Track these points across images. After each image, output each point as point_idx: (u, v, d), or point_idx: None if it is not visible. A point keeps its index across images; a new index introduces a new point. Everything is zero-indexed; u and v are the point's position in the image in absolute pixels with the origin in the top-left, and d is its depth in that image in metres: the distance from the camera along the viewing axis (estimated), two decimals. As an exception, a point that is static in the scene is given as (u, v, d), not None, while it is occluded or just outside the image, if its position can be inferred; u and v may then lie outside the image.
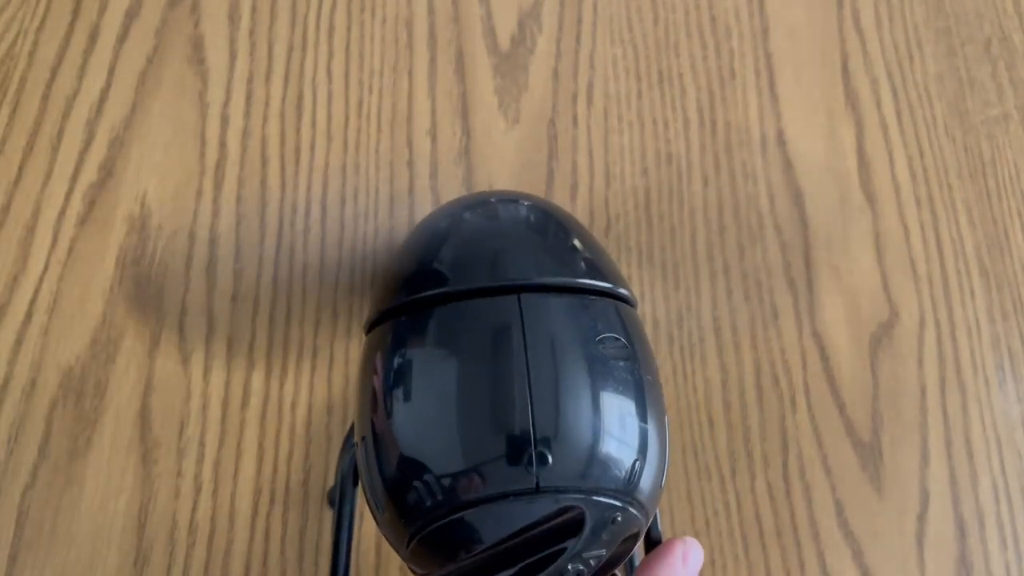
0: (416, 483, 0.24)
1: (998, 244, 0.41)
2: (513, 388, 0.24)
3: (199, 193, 0.42)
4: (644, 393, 0.26)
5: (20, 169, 0.42)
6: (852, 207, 0.42)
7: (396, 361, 0.26)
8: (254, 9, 0.46)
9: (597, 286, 0.27)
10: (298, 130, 0.43)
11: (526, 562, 0.24)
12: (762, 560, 0.36)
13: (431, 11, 0.46)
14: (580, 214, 0.42)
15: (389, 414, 0.25)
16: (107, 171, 0.42)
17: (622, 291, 0.28)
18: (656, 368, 0.28)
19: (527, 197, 0.32)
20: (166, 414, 0.38)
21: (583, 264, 0.28)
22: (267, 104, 0.44)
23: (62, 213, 0.41)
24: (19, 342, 0.39)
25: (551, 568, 0.24)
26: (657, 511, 0.30)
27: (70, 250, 0.41)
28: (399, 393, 0.26)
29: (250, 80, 0.44)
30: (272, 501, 0.36)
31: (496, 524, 0.24)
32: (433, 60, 0.45)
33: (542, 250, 0.28)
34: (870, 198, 0.42)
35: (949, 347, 0.39)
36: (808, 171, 0.43)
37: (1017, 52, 0.46)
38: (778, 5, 0.46)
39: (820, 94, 0.44)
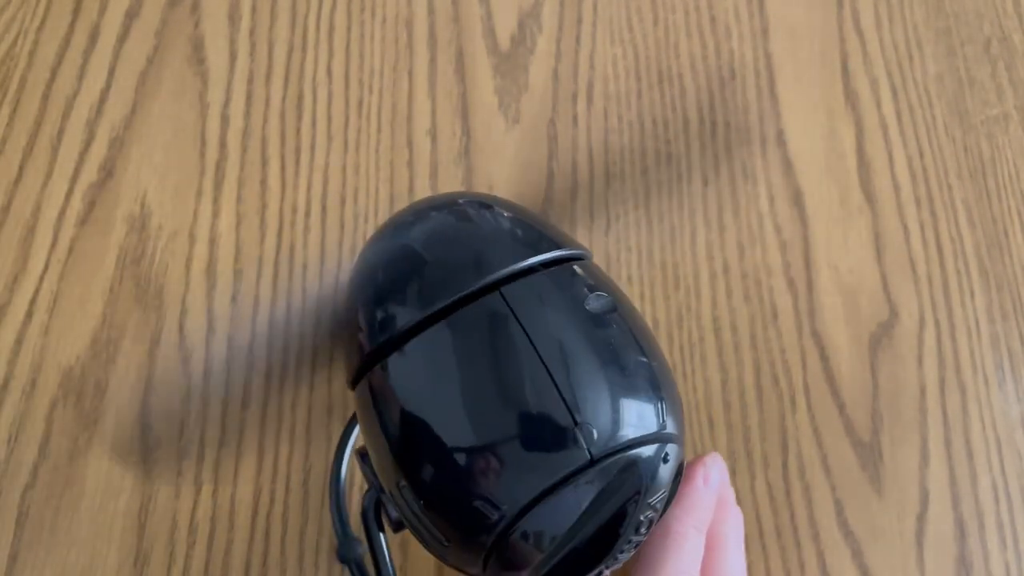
0: (476, 503, 0.24)
1: (998, 244, 0.41)
2: (533, 377, 0.25)
3: (199, 193, 0.42)
4: (642, 333, 0.27)
5: (20, 169, 0.42)
6: (852, 207, 0.42)
7: (412, 393, 0.26)
8: (254, 9, 0.46)
9: (560, 255, 0.28)
10: (298, 130, 0.43)
11: (604, 531, 0.25)
12: (762, 560, 0.36)
13: (431, 11, 0.46)
14: (580, 214, 0.42)
15: (424, 450, 0.25)
16: (107, 171, 0.42)
17: (579, 250, 0.29)
18: (633, 304, 0.29)
19: (448, 197, 0.31)
20: (166, 414, 0.38)
21: (538, 238, 0.29)
22: (267, 104, 0.44)
23: (62, 213, 0.41)
24: (19, 342, 0.39)
25: (626, 526, 0.25)
26: None
27: (70, 250, 0.41)
28: (427, 424, 0.25)
29: (250, 80, 0.44)
30: (272, 501, 0.36)
31: (565, 508, 0.24)
32: (433, 60, 0.45)
33: (499, 241, 0.28)
34: (870, 198, 0.42)
35: (949, 347, 0.39)
36: (808, 171, 0.43)
37: (1017, 52, 0.46)
38: (778, 5, 0.46)
39: (820, 94, 0.44)
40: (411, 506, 0.26)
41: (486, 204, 0.30)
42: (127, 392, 0.38)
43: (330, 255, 0.41)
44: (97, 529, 0.36)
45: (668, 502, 0.27)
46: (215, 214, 0.41)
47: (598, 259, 0.41)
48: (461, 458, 0.25)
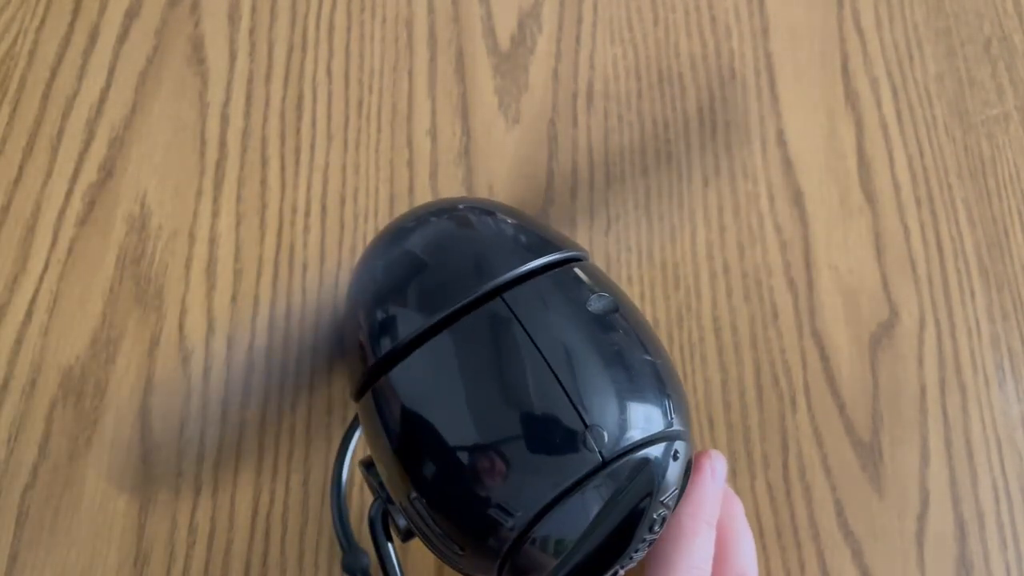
0: (490, 511, 0.24)
1: (998, 244, 0.41)
2: (541, 381, 0.25)
3: (199, 193, 0.42)
4: (644, 332, 0.27)
5: (20, 169, 0.42)
6: (852, 207, 0.42)
7: (420, 405, 0.26)
8: (254, 9, 0.46)
9: (559, 257, 0.28)
10: (298, 130, 0.43)
11: (618, 531, 0.25)
12: (762, 560, 0.36)
13: (431, 11, 0.46)
14: (580, 214, 0.42)
15: (435, 461, 0.25)
16: (107, 171, 0.42)
17: (577, 252, 0.29)
18: (633, 303, 0.29)
19: (447, 204, 0.31)
20: (166, 414, 0.38)
21: (537, 242, 0.29)
22: (267, 104, 0.44)
23: (62, 213, 0.41)
24: (19, 342, 0.39)
25: (640, 525, 0.25)
26: None
27: (70, 250, 0.41)
28: (437, 434, 0.25)
29: (250, 80, 0.44)
30: (272, 501, 0.36)
31: (579, 512, 0.24)
32: (433, 60, 0.45)
33: (498, 246, 0.28)
34: (870, 198, 0.42)
35: (949, 347, 0.39)
36: (808, 171, 0.43)
37: (1017, 52, 0.46)
38: (778, 5, 0.46)
39: (820, 94, 0.44)
40: (424, 517, 0.26)
41: (483, 210, 0.30)
42: (127, 392, 0.38)
43: (330, 255, 0.41)
44: (97, 529, 0.36)
45: (679, 498, 0.27)
46: (215, 214, 0.41)
47: (598, 259, 0.41)
48: (473, 467, 0.25)
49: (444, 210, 0.30)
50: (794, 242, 0.41)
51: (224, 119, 0.43)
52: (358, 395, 0.28)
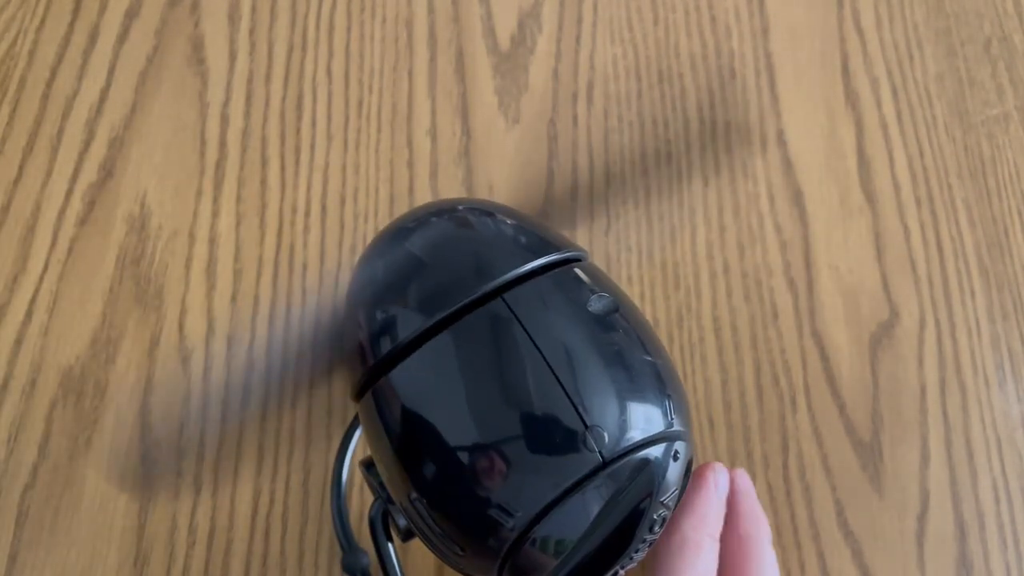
0: (490, 511, 0.24)
1: (998, 244, 0.41)
2: (541, 382, 0.25)
3: (199, 193, 0.42)
4: (644, 332, 0.27)
5: (20, 169, 0.42)
6: (852, 207, 0.42)
7: (421, 405, 0.26)
8: (254, 9, 0.46)
9: (559, 257, 0.28)
10: (298, 130, 0.43)
11: (618, 532, 0.25)
12: (762, 560, 0.36)
13: (431, 11, 0.46)
14: (580, 214, 0.42)
15: (435, 461, 0.25)
16: (107, 171, 0.42)
17: (577, 252, 0.29)
18: (633, 303, 0.29)
19: (440, 206, 0.31)
20: (166, 414, 0.38)
21: (537, 242, 0.29)
22: (267, 104, 0.44)
23: (62, 213, 0.41)
24: (19, 342, 0.39)
25: (640, 526, 0.25)
26: None
27: (70, 250, 0.41)
28: (437, 435, 0.25)
29: (250, 80, 0.44)
30: (272, 501, 0.36)
31: (579, 512, 0.24)
32: (433, 60, 0.45)
33: (500, 246, 0.28)
34: (870, 198, 0.42)
35: (949, 347, 0.39)
36: (808, 171, 0.43)
37: (1017, 52, 0.46)
38: (778, 5, 0.46)
39: (820, 94, 0.44)
40: (424, 518, 0.26)
41: (482, 210, 0.30)
42: (127, 392, 0.38)
43: (330, 255, 0.41)
44: (97, 529, 0.36)
45: (679, 499, 0.27)
46: (215, 214, 0.41)
47: (598, 259, 0.41)
48: (473, 468, 0.25)
49: (444, 211, 0.30)
50: (794, 242, 0.41)
51: (224, 119, 0.43)
52: (358, 395, 0.28)
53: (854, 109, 0.44)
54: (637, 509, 0.25)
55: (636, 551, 0.26)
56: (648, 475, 0.25)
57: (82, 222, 0.41)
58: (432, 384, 0.26)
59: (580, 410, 0.24)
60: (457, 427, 0.25)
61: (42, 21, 0.45)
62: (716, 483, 0.31)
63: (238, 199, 0.42)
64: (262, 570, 0.35)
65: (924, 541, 0.36)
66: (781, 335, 0.39)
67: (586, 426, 0.24)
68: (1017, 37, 0.46)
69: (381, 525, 0.30)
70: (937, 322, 0.40)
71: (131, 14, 0.46)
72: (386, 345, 0.27)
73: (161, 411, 0.38)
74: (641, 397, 0.26)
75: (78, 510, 0.36)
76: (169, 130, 0.43)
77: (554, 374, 0.25)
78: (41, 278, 0.40)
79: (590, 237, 0.41)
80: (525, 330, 0.25)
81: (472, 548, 0.26)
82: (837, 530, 0.36)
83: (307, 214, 0.41)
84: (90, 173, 0.42)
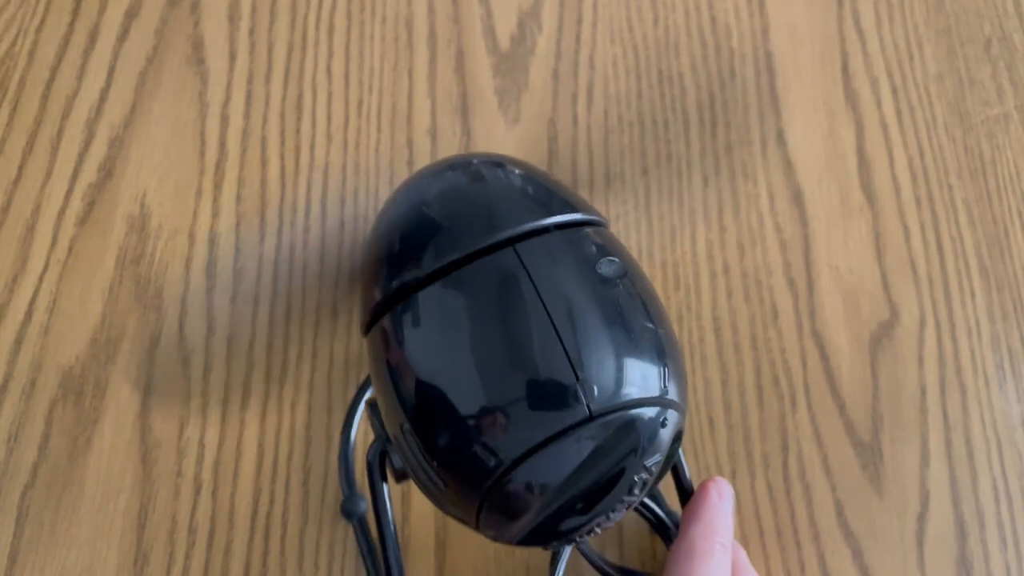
0: (474, 448, 0.25)
1: (998, 244, 0.41)
2: (540, 332, 0.25)
3: (199, 193, 0.42)
4: (651, 301, 0.28)
5: (20, 169, 0.42)
6: (852, 207, 0.42)
7: (421, 341, 0.27)
8: (254, 9, 0.46)
9: (575, 218, 0.28)
10: (298, 130, 0.43)
11: (597, 487, 0.25)
12: (762, 560, 0.36)
13: (431, 11, 0.46)
14: (580, 214, 0.42)
15: (427, 394, 0.26)
16: (107, 171, 0.42)
17: (596, 217, 0.29)
18: (644, 274, 0.29)
19: (476, 156, 0.32)
20: (166, 414, 0.38)
21: (557, 201, 0.29)
22: (267, 104, 0.44)
23: (62, 213, 0.41)
24: (19, 342, 0.39)
25: (620, 484, 0.25)
26: (683, 457, 0.32)
27: (70, 250, 0.41)
28: (433, 370, 0.26)
29: (250, 80, 0.44)
30: (272, 501, 0.36)
31: (561, 460, 0.25)
32: (433, 60, 0.45)
33: (518, 199, 0.29)
34: (870, 198, 0.42)
35: (949, 347, 0.39)
36: (808, 171, 0.43)
37: (1017, 52, 0.46)
38: (778, 5, 0.46)
39: (820, 94, 0.44)
40: (412, 450, 0.26)
41: (506, 164, 0.31)
42: (127, 392, 0.38)
43: (330, 255, 0.41)
44: (97, 529, 0.36)
45: (664, 469, 0.28)
46: (215, 214, 0.41)
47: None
48: (462, 404, 0.25)
49: (474, 161, 0.31)
50: (794, 242, 0.41)
51: (224, 119, 0.43)
52: (367, 329, 0.29)
53: (854, 109, 0.44)
54: (619, 466, 0.25)
55: (613, 510, 0.27)
56: (633, 435, 0.25)
57: (82, 222, 0.41)
58: (435, 322, 0.26)
59: (574, 363, 0.25)
60: (453, 364, 0.26)
61: (42, 21, 0.45)
62: (720, 492, 0.32)
63: (238, 199, 0.42)
64: (262, 570, 0.35)
65: (924, 541, 0.36)
66: (781, 335, 0.39)
67: (577, 379, 0.25)
68: (1017, 37, 0.46)
69: (378, 466, 0.31)
70: (937, 322, 0.40)
71: (131, 14, 0.46)
72: (395, 282, 0.27)
73: (161, 411, 0.38)
74: (636, 359, 0.26)
75: (78, 510, 0.36)
76: (169, 130, 0.43)
77: (553, 326, 0.25)
78: (41, 278, 0.40)
79: (590, 237, 0.41)
80: (531, 281, 0.26)
81: (454, 484, 0.26)
82: (837, 530, 0.36)
83: (307, 214, 0.41)
84: (90, 173, 0.42)
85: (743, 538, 0.36)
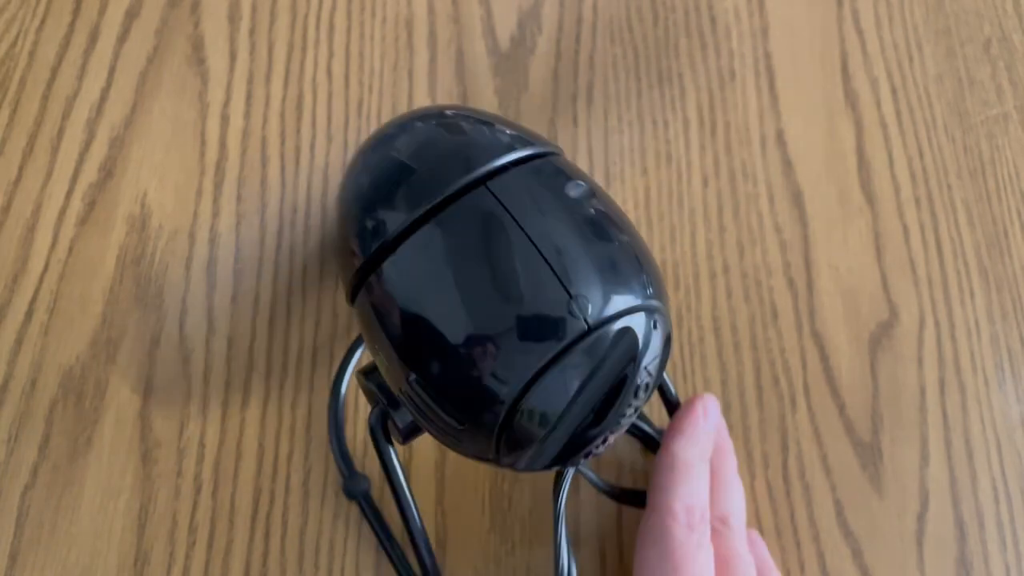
0: (485, 381, 0.26)
1: (998, 244, 0.41)
2: (527, 259, 0.26)
3: (199, 193, 0.42)
4: (619, 215, 0.29)
5: (20, 169, 0.42)
6: (852, 207, 0.42)
7: (414, 290, 0.27)
8: (254, 9, 0.46)
9: (537, 151, 0.30)
10: (298, 130, 0.43)
11: (606, 396, 0.26)
12: (762, 560, 0.36)
13: (431, 11, 0.46)
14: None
15: (430, 340, 0.26)
16: (107, 171, 0.42)
17: (553, 148, 0.31)
18: (605, 191, 0.31)
19: (420, 111, 0.33)
20: (166, 414, 0.38)
21: (515, 138, 0.30)
22: (267, 104, 0.44)
23: (62, 213, 0.41)
24: (19, 342, 0.39)
25: (626, 389, 0.27)
26: (667, 376, 0.35)
27: (70, 250, 0.41)
28: (432, 315, 0.26)
29: (250, 80, 0.44)
30: (272, 501, 0.36)
31: (569, 376, 0.26)
32: (433, 60, 0.45)
33: (479, 141, 0.30)
34: (870, 198, 0.42)
35: (949, 347, 0.39)
36: (808, 171, 0.43)
37: (1017, 52, 0.46)
38: (778, 5, 0.46)
39: (820, 94, 0.44)
40: (423, 399, 0.27)
41: (461, 112, 0.32)
42: (127, 392, 0.38)
43: (330, 256, 0.41)
44: (97, 529, 0.36)
45: (661, 369, 0.29)
46: (215, 214, 0.41)
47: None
48: (466, 341, 0.26)
49: (425, 115, 0.32)
50: (794, 242, 0.41)
51: (224, 119, 0.43)
52: (352, 297, 0.29)
53: (854, 109, 0.44)
54: (623, 373, 0.26)
55: (623, 415, 0.27)
56: (631, 341, 0.26)
57: (82, 222, 0.41)
58: (423, 270, 0.27)
59: (564, 282, 0.26)
60: (448, 306, 0.26)
61: (42, 21, 0.45)
62: (705, 410, 0.33)
63: (238, 199, 0.42)
64: (262, 570, 0.35)
65: (924, 541, 0.36)
66: (781, 335, 0.39)
67: (571, 296, 0.26)
68: (1017, 37, 0.46)
69: (381, 430, 0.31)
70: (937, 322, 0.40)
71: (131, 14, 0.46)
72: (374, 242, 0.28)
73: (161, 411, 0.38)
74: (621, 271, 0.27)
75: (78, 510, 0.36)
76: (169, 130, 0.43)
77: (539, 251, 0.26)
78: (41, 278, 0.40)
79: (590, 237, 0.41)
80: (510, 213, 0.27)
81: (470, 421, 0.27)
82: (837, 530, 0.36)
83: (307, 214, 0.41)
84: (90, 173, 0.42)
85: (743, 538, 0.36)
